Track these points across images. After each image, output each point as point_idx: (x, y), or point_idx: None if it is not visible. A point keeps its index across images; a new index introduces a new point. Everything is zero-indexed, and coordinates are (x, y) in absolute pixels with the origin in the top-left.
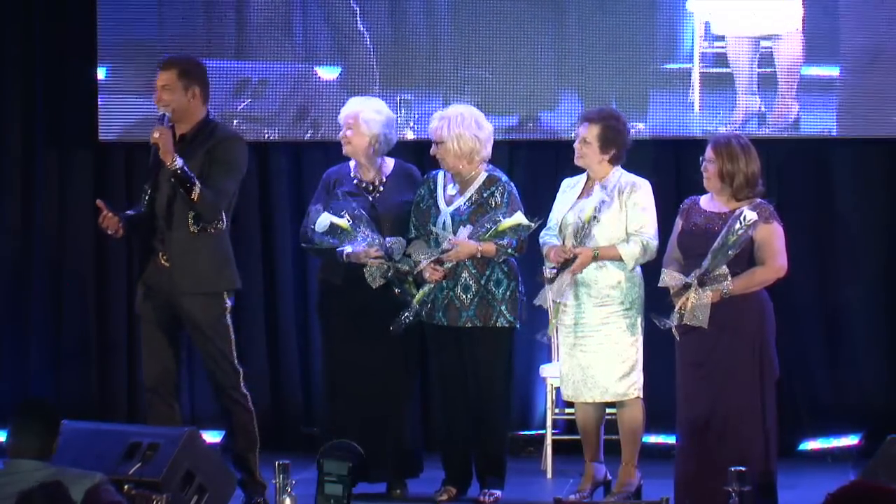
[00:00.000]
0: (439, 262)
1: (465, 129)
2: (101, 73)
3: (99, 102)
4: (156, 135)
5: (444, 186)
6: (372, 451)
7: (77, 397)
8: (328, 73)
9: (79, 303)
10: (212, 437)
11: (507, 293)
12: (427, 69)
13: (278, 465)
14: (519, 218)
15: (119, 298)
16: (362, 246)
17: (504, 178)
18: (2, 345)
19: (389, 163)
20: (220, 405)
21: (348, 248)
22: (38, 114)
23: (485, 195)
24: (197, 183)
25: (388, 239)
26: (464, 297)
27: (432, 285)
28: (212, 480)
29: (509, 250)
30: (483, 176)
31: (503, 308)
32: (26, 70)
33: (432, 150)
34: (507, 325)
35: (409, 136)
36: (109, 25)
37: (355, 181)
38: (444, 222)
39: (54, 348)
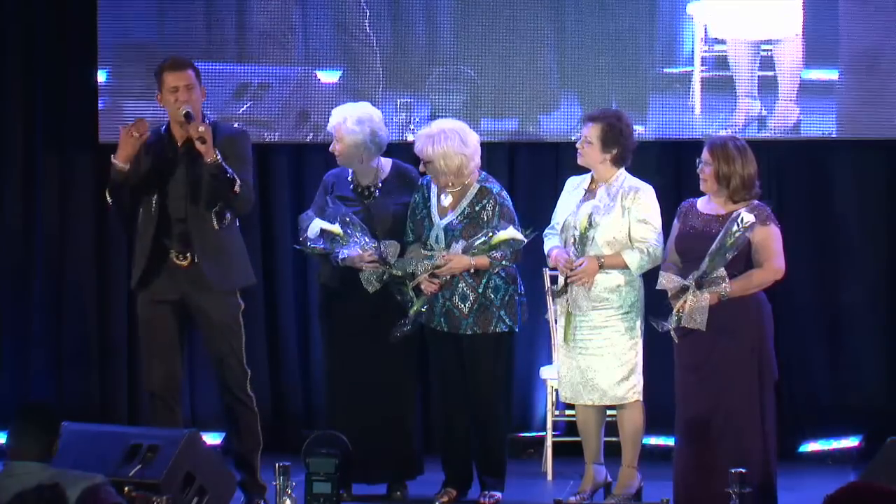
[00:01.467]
0: (434, 274)
1: (449, 146)
2: (101, 76)
3: (99, 105)
4: (201, 128)
5: (438, 196)
6: (372, 453)
7: (78, 399)
8: (329, 77)
9: (79, 305)
10: (212, 438)
11: (506, 298)
12: (427, 72)
13: (278, 466)
14: (511, 233)
15: (120, 300)
16: (356, 250)
17: (496, 188)
18: (3, 347)
19: (386, 164)
20: (224, 405)
21: (343, 253)
22: (39, 116)
23: (476, 209)
24: (236, 176)
25: (382, 243)
26: (462, 306)
27: (428, 296)
28: (212, 482)
29: (503, 262)
30: (475, 188)
31: (502, 314)
32: (27, 73)
33: (421, 168)
34: (506, 331)
35: (410, 138)
36: (110, 28)
37: (352, 185)
38: (437, 236)
39: (55, 350)
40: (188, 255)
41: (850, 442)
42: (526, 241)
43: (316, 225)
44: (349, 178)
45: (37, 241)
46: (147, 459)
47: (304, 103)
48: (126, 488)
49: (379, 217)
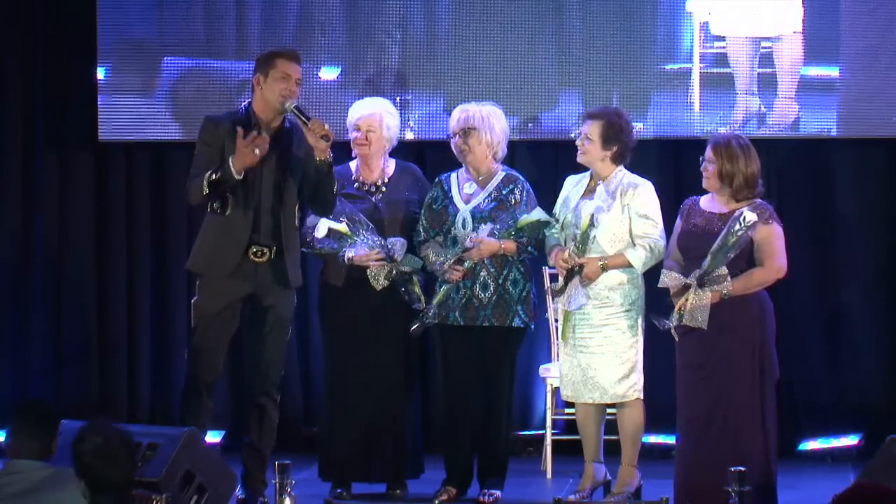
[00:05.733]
0: (459, 261)
1: (496, 120)
2: (100, 73)
3: (99, 102)
4: (326, 126)
5: (460, 186)
6: (373, 452)
7: (78, 398)
8: (328, 74)
9: (79, 303)
10: (212, 436)
11: (524, 293)
12: (427, 70)
13: (278, 465)
14: (538, 214)
15: (119, 299)
16: (363, 249)
17: (521, 177)
18: (2, 345)
19: (391, 162)
20: (254, 403)
21: (350, 252)
22: (39, 114)
23: (504, 192)
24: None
25: (388, 240)
26: (482, 295)
27: (451, 285)
28: (211, 480)
29: (529, 248)
30: (500, 174)
31: (519, 308)
32: (27, 70)
33: (456, 142)
34: (521, 326)
35: (409, 136)
36: (109, 25)
37: (356, 183)
38: (464, 220)
39: (55, 349)
40: (266, 250)
41: (850, 440)
42: (553, 222)
43: (324, 224)
44: (353, 176)
45: (36, 238)
46: (146, 458)
47: (303, 100)
48: None
49: (387, 213)
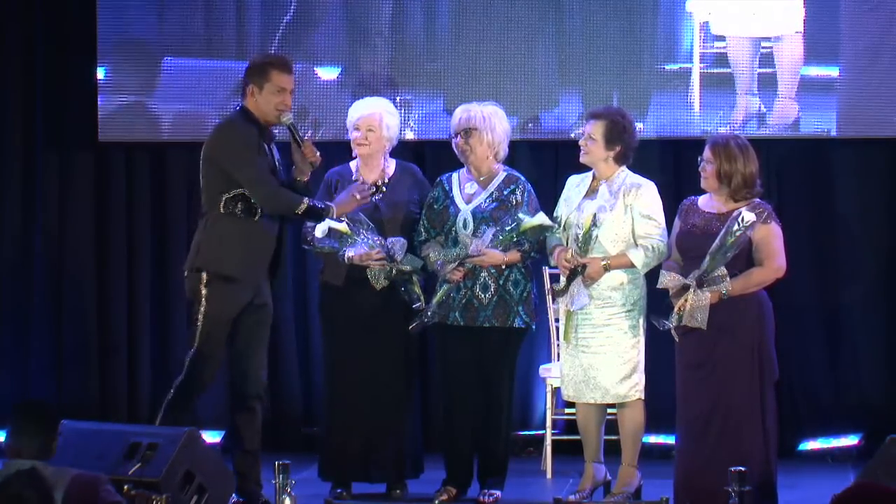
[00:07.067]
0: (461, 262)
1: (497, 121)
2: (100, 73)
3: (99, 102)
4: (318, 154)
5: (461, 186)
6: (372, 452)
7: (77, 397)
8: (328, 73)
9: (79, 303)
10: (212, 437)
11: (524, 294)
12: (427, 69)
13: (278, 465)
14: (541, 219)
15: (119, 299)
16: (363, 249)
17: (522, 177)
18: (2, 345)
19: (391, 163)
20: (245, 407)
21: (350, 252)
22: (39, 114)
23: (505, 193)
24: None
25: (389, 239)
26: (482, 296)
27: (451, 285)
28: (211, 480)
29: (532, 254)
30: (502, 175)
31: (520, 309)
32: (27, 70)
33: (458, 142)
34: (522, 326)
35: (409, 136)
36: (109, 25)
37: (357, 183)
38: (465, 220)
39: (55, 349)
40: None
41: (850, 440)
42: (555, 227)
43: (324, 224)
44: (354, 176)
45: (36, 238)
46: (146, 458)
47: (303, 100)
48: (125, 486)
49: (387, 213)
